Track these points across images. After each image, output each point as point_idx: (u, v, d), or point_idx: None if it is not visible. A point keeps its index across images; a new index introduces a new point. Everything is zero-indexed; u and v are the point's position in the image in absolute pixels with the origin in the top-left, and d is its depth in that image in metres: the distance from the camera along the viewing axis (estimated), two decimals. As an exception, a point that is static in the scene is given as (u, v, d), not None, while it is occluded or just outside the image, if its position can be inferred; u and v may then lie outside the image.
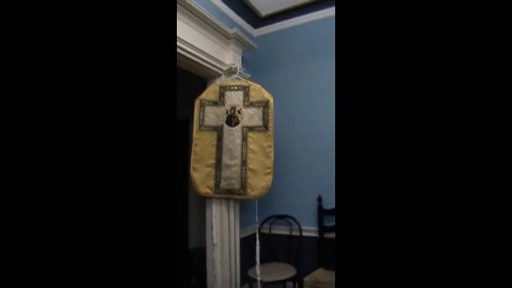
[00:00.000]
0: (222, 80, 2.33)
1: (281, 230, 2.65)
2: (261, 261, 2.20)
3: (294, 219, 2.59)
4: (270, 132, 2.12)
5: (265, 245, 2.48)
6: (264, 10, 2.75)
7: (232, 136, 2.15)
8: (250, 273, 2.31)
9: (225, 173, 2.15)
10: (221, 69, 2.36)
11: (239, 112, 2.17)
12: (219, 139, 2.17)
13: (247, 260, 2.39)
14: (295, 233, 2.56)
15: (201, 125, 2.20)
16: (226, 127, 2.17)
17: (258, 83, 2.27)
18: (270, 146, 2.11)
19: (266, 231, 2.63)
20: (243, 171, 2.12)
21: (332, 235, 2.43)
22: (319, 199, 2.51)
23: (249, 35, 2.82)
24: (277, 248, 2.61)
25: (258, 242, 2.20)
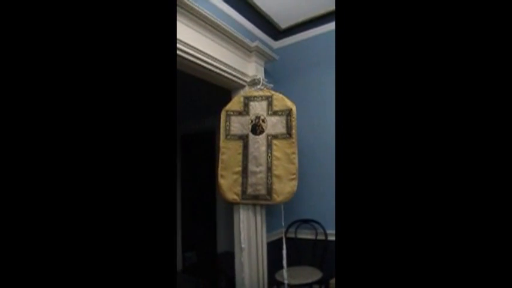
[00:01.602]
0: (246, 91, 2.44)
1: (307, 234, 2.70)
2: (288, 265, 2.26)
3: (319, 223, 2.64)
4: (293, 139, 2.20)
5: (292, 248, 2.54)
6: (284, 23, 2.86)
7: (258, 144, 2.25)
8: (277, 276, 2.38)
9: (251, 180, 2.24)
10: (245, 81, 2.47)
11: (263, 121, 2.27)
12: (245, 147, 2.28)
13: (274, 264, 2.46)
14: (321, 237, 2.60)
15: (228, 134, 2.32)
16: (251, 135, 2.28)
17: (280, 92, 2.36)
18: (293, 153, 2.19)
19: (292, 235, 2.69)
20: (269, 178, 2.21)
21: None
22: (343, 203, 2.55)
23: (270, 47, 2.93)
24: (303, 252, 2.66)
25: (284, 246, 2.27)
